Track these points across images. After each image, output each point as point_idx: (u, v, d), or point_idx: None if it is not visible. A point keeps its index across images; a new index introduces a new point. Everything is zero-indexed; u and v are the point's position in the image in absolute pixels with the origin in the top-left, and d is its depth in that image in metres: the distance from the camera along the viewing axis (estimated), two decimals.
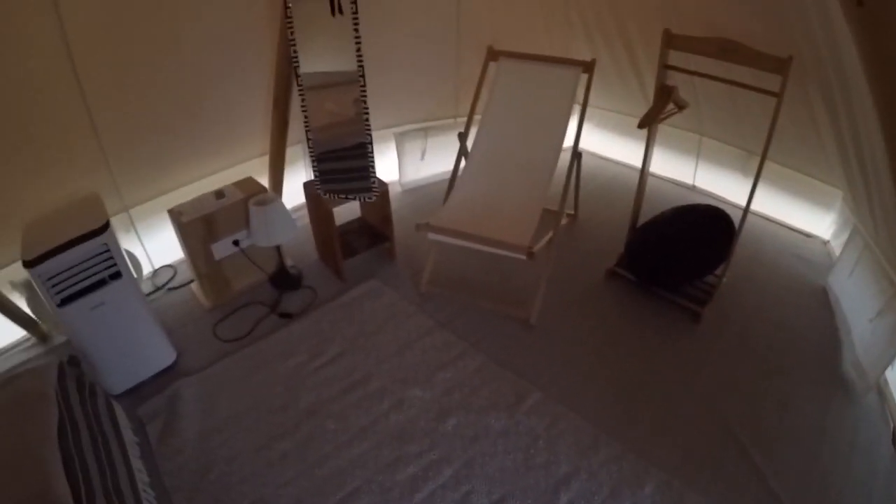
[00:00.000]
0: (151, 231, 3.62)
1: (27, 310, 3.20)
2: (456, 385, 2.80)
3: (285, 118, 3.56)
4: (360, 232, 3.72)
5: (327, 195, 3.31)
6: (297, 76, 3.04)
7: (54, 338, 3.35)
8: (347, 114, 3.15)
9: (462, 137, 3.40)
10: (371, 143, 3.19)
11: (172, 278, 3.71)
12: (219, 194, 3.26)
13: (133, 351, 2.87)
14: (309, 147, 3.22)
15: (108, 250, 2.60)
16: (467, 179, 3.36)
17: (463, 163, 3.46)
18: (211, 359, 3.08)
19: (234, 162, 3.78)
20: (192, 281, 3.61)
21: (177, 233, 3.25)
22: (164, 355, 3.02)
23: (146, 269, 3.68)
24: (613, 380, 2.82)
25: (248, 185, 3.40)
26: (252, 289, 3.55)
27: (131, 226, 3.50)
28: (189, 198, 3.34)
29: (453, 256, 3.59)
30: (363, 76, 2.98)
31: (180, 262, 3.80)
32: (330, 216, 3.29)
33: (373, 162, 3.24)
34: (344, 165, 3.26)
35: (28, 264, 2.44)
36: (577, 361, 2.94)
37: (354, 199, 3.41)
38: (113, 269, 2.64)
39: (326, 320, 3.25)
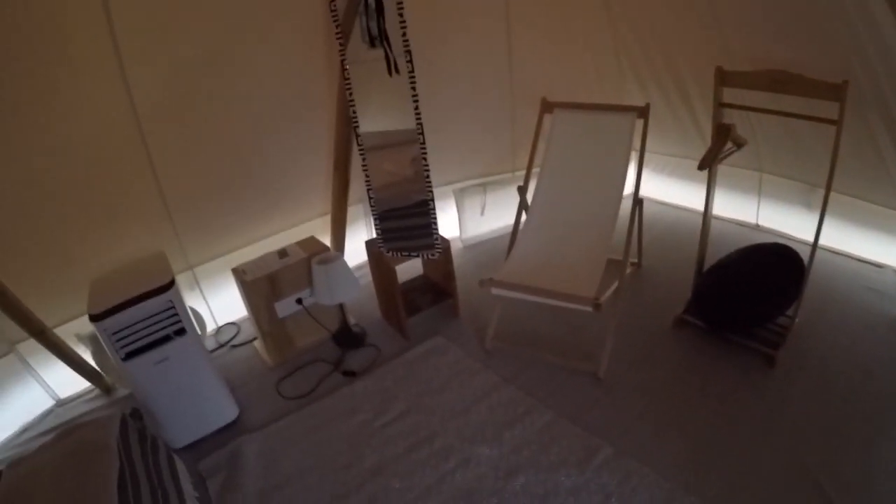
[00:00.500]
0: (215, 289, 3.72)
1: (92, 362, 3.29)
2: (524, 442, 2.70)
3: (346, 178, 3.63)
4: (423, 289, 3.72)
5: (390, 253, 3.32)
6: (357, 136, 3.11)
7: (117, 390, 3.44)
8: (407, 172, 3.20)
9: (521, 191, 3.39)
10: (433, 201, 3.19)
11: (236, 336, 3.78)
12: (282, 253, 3.32)
13: (195, 406, 2.90)
14: (371, 206, 3.26)
15: (172, 307, 2.66)
16: (529, 233, 3.33)
17: (524, 216, 3.43)
18: (273, 416, 3.08)
19: (296, 222, 3.87)
20: (255, 339, 3.66)
21: (240, 291, 3.31)
22: (226, 411, 3.04)
23: (210, 326, 3.77)
24: (687, 431, 2.68)
25: (311, 244, 3.46)
26: (315, 347, 3.56)
27: (196, 283, 3.61)
28: (252, 257, 3.43)
29: (518, 311, 3.52)
30: (422, 134, 3.01)
31: (243, 319, 3.88)
32: (392, 274, 3.29)
33: (435, 219, 3.23)
34: (406, 223, 3.27)
35: (94, 318, 2.52)
36: (649, 414, 2.80)
37: (417, 256, 3.40)
38: (177, 325, 2.70)
39: (390, 378, 3.22)
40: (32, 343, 3.08)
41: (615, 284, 3.09)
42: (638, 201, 3.23)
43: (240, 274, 3.22)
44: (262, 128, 3.37)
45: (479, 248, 4.46)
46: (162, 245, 3.12)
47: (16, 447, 3.26)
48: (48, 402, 3.48)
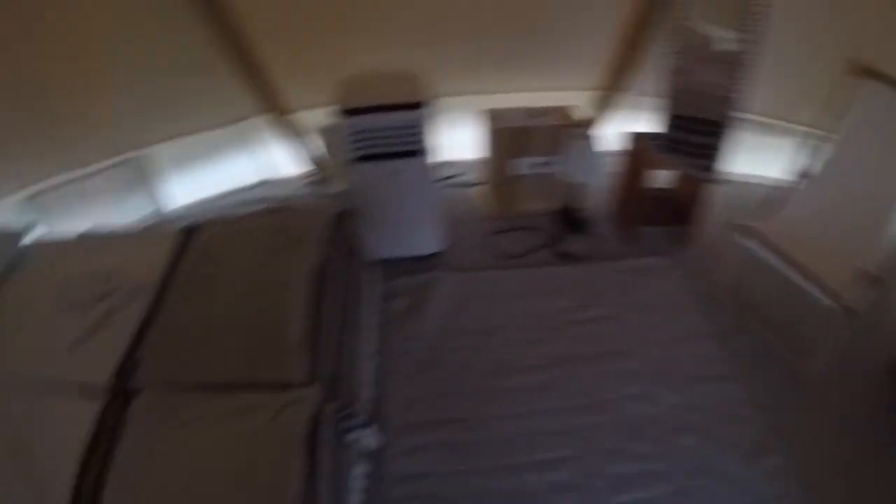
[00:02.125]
0: (453, 121, 3.55)
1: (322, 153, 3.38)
2: (705, 405, 2.43)
3: (634, 57, 3.29)
4: (667, 204, 3.33)
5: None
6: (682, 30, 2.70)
7: (332, 184, 3.50)
8: (718, 88, 2.73)
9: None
10: (729, 127, 2.77)
11: (457, 176, 3.72)
12: (534, 112, 3.16)
13: (407, 226, 2.94)
14: (666, 104, 2.91)
15: (419, 126, 2.61)
16: (811, 195, 2.89)
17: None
18: (476, 264, 3.05)
19: (557, 86, 3.61)
20: (476, 184, 3.60)
21: (484, 135, 3.19)
22: (433, 241, 3.06)
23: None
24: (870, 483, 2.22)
25: (566, 113, 3.23)
26: (538, 215, 3.41)
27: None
28: (501, 106, 3.26)
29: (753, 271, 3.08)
30: (751, 53, 2.54)
31: (466, 163, 3.78)
32: (645, 176, 3.03)
33: (723, 144, 2.83)
34: (694, 139, 2.89)
35: (344, 112, 2.54)
36: (847, 442, 2.36)
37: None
38: (418, 144, 2.67)
39: (603, 278, 3.03)
40: (256, 121, 3.24)
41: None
42: None
43: (490, 117, 3.10)
44: None
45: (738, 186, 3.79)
46: (413, 66, 2.97)
47: (219, 206, 3.48)
48: (261, 175, 3.68)
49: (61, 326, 2.11)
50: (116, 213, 3.39)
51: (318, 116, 3.17)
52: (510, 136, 3.04)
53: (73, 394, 1.91)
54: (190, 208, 3.62)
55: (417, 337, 2.66)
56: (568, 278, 3.01)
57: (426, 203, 2.90)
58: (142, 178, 3.40)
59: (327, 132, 3.20)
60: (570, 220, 3.35)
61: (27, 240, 2.72)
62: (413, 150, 2.68)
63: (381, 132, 2.60)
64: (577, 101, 3.52)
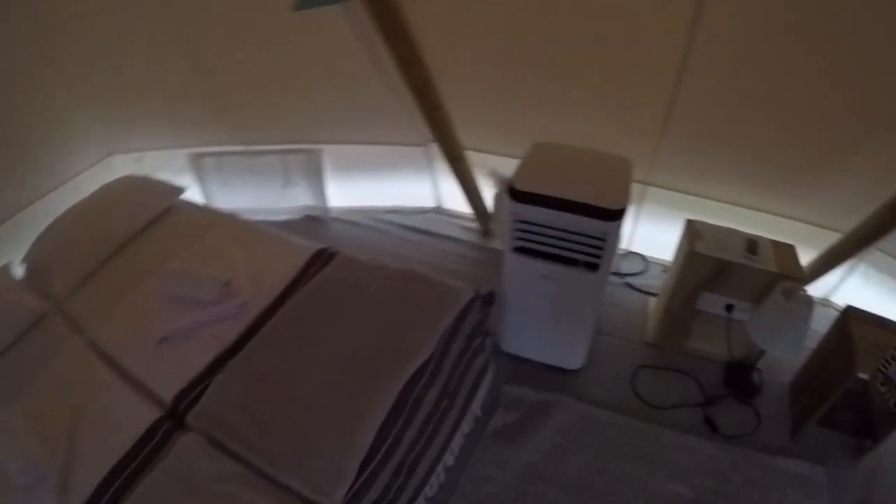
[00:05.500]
0: (652, 216, 3.15)
1: (489, 202, 3.12)
2: None
3: None
4: (855, 405, 2.58)
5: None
6: None
7: (495, 239, 3.28)
8: None
9: None
10: None
11: (640, 274, 3.25)
12: (752, 246, 2.51)
13: (550, 334, 2.54)
14: None
15: (604, 239, 2.12)
16: None
17: None
18: (609, 401, 2.60)
19: (786, 213, 2.93)
20: (653, 294, 3.09)
21: (678, 251, 2.68)
22: (573, 357, 2.64)
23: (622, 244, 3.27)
24: None
25: (787, 255, 2.55)
26: (703, 360, 2.85)
27: (638, 201, 3.05)
28: (715, 217, 2.71)
29: None
30: None
31: (657, 261, 3.30)
32: (848, 373, 2.29)
33: None
34: None
35: (514, 194, 2.13)
36: None
37: None
38: (596, 259, 2.18)
39: (739, 473, 2.42)
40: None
41: None
42: None
43: (694, 233, 2.52)
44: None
45: None
46: (634, 151, 2.53)
47: (381, 220, 3.45)
48: (430, 203, 3.46)
49: (163, 314, 2.22)
50: (279, 195, 3.43)
51: (501, 164, 2.90)
52: (709, 265, 2.46)
53: (140, 396, 1.98)
54: (348, 211, 3.58)
55: (505, 467, 2.30)
56: (702, 458, 2.44)
57: (582, 320, 2.44)
58: (311, 170, 3.37)
59: (498, 195, 2.82)
60: (738, 380, 2.75)
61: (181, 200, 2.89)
62: (588, 263, 2.21)
63: (550, 229, 2.16)
64: (804, 237, 2.82)
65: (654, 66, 2.37)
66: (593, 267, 2.19)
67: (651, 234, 3.15)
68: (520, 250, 2.24)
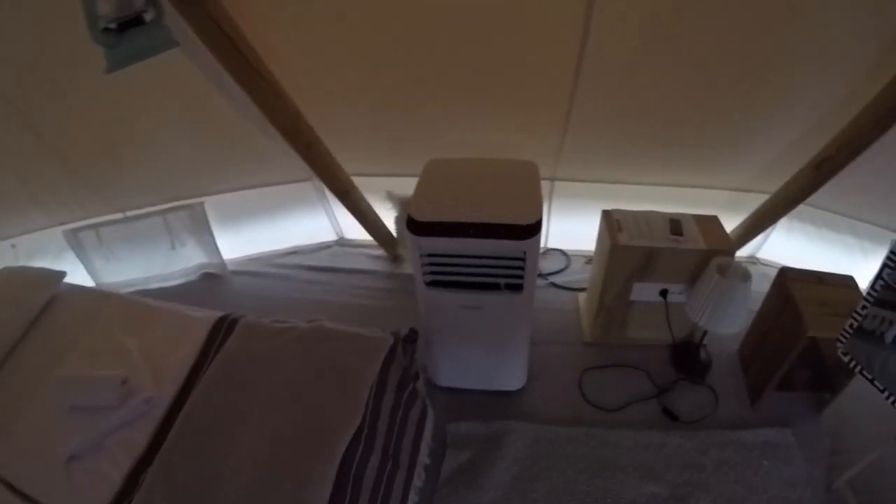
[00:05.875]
0: (563, 209, 3.02)
1: (392, 226, 2.93)
2: None
3: (831, 172, 2.43)
4: (808, 363, 2.55)
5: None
6: None
7: (403, 264, 3.12)
8: None
9: None
10: None
11: (563, 270, 3.12)
12: (676, 227, 2.40)
13: (483, 360, 2.34)
14: None
15: (524, 259, 1.92)
16: None
17: None
18: (561, 414, 2.45)
19: (700, 184, 2.86)
20: (582, 290, 2.95)
21: (600, 246, 2.52)
22: (513, 377, 2.45)
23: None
24: None
25: (713, 228, 2.46)
26: (646, 347, 2.73)
27: (548, 197, 2.92)
28: (630, 201, 2.60)
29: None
30: None
31: (578, 253, 3.18)
32: (799, 334, 2.21)
33: None
34: None
35: (414, 227, 1.89)
36: None
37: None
38: (518, 280, 1.99)
39: (712, 456, 2.34)
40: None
41: None
42: None
43: (613, 225, 2.38)
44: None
45: None
46: (537, 149, 2.40)
47: (281, 265, 3.22)
48: (331, 237, 3.29)
49: (66, 430, 1.96)
50: (169, 258, 3.18)
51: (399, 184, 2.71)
52: (637, 255, 2.34)
53: None
54: (246, 262, 3.32)
55: None
56: (669, 452, 2.34)
57: (515, 340, 2.26)
58: (197, 225, 3.08)
59: (399, 218, 2.63)
60: (687, 361, 2.66)
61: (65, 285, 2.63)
62: (510, 284, 2.01)
63: (467, 260, 1.95)
64: (722, 204, 2.80)
65: (549, 59, 2.20)
66: (517, 287, 2.01)
67: (567, 228, 3.04)
68: (434, 284, 2.04)
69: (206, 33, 1.92)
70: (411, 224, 1.89)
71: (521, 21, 2.03)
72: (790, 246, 3.05)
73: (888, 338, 1.83)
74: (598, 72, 2.19)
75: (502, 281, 1.99)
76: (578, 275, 3.09)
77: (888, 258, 1.71)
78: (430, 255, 1.95)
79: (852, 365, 2.02)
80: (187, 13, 1.84)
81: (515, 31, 2.08)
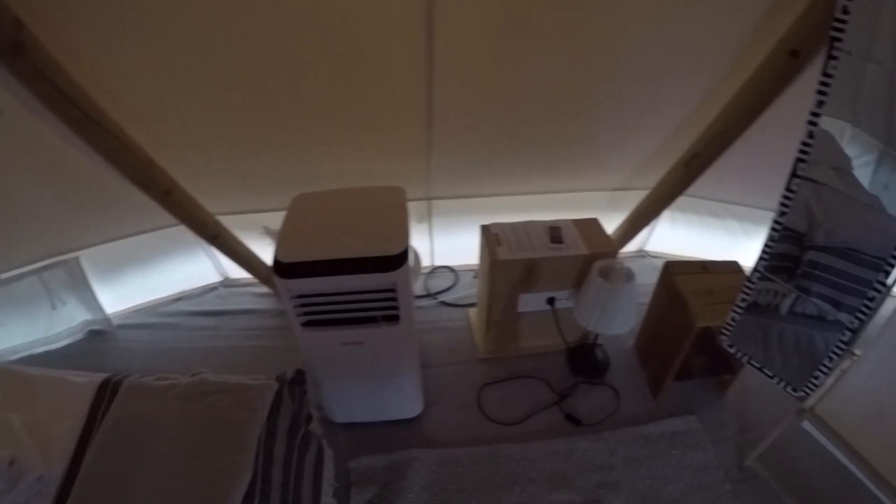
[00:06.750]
0: (446, 227, 2.99)
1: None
2: None
3: (702, 167, 2.50)
4: (703, 349, 2.61)
5: (737, 351, 2.17)
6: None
7: None
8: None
9: None
10: None
11: (451, 288, 3.07)
12: (555, 234, 2.40)
13: (375, 392, 2.28)
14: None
15: (395, 290, 1.87)
16: (879, 362, 2.12)
17: None
18: (463, 435, 2.41)
19: (577, 188, 2.89)
20: (472, 305, 2.93)
21: (481, 260, 2.50)
22: (409, 405, 2.40)
23: (425, 262, 3.11)
24: None
25: (593, 231, 2.49)
26: (542, 355, 2.73)
27: (427, 217, 2.88)
28: (512, 212, 2.64)
29: (804, 439, 2.18)
30: None
31: (467, 268, 3.15)
32: (689, 327, 2.26)
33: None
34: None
35: (279, 269, 1.80)
36: None
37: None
38: (394, 311, 1.94)
39: (620, 454, 2.37)
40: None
41: None
42: None
43: (492, 239, 2.38)
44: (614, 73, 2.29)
45: None
46: (408, 169, 2.37)
47: (167, 313, 3.07)
48: (215, 278, 3.17)
49: None
50: (51, 319, 2.98)
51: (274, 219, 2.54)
52: (519, 268, 2.32)
53: None
54: (132, 314, 3.13)
55: None
56: (577, 457, 2.35)
57: (403, 369, 2.21)
58: (74, 281, 2.91)
59: (275, 237, 2.55)
60: (584, 363, 2.69)
61: None
62: (386, 316, 1.96)
63: (339, 297, 1.88)
64: (599, 205, 2.86)
65: (400, 83, 2.17)
66: (394, 318, 1.96)
67: (453, 244, 3.01)
68: (310, 324, 1.97)
69: (37, 89, 1.79)
70: (277, 267, 1.82)
71: (365, 42, 1.99)
72: (677, 236, 3.13)
73: (783, 309, 1.88)
74: (450, 85, 2.17)
75: (378, 314, 1.94)
76: (468, 290, 3.08)
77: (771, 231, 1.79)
78: (299, 297, 1.88)
79: (739, 355, 2.07)
80: (14, 70, 1.72)
81: (360, 53, 2.03)
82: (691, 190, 2.70)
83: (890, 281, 1.59)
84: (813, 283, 1.80)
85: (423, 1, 1.84)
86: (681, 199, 2.78)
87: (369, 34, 1.96)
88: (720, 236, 2.99)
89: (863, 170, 1.62)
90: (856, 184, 1.64)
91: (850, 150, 1.63)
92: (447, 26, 1.92)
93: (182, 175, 2.38)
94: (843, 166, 1.66)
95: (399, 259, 1.81)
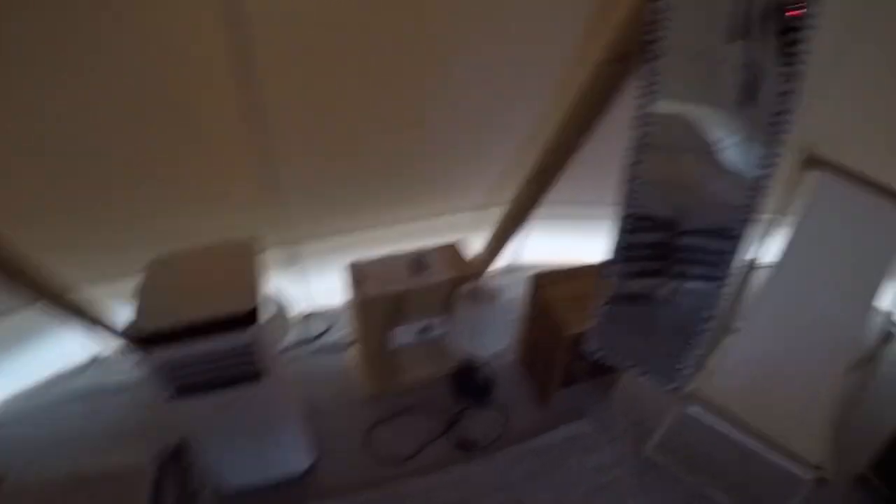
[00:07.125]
0: (320, 270, 2.91)
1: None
2: None
3: (551, 182, 2.55)
4: (582, 355, 2.62)
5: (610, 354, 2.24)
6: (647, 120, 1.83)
7: None
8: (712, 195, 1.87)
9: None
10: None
11: (328, 331, 3.02)
12: (418, 264, 2.40)
13: (259, 452, 2.18)
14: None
15: (252, 345, 1.79)
16: (750, 337, 2.27)
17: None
18: (356, 481, 2.34)
19: (439, 211, 2.91)
20: (353, 343, 2.86)
21: (352, 301, 2.44)
22: (297, 459, 2.31)
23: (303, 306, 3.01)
24: None
25: (454, 256, 2.51)
26: (427, 386, 2.71)
27: (297, 261, 2.82)
28: (380, 244, 2.62)
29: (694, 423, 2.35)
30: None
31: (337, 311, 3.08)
32: (561, 338, 2.30)
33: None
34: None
35: (140, 342, 1.68)
36: None
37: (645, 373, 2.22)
38: (256, 367, 1.86)
39: (518, 471, 2.37)
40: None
41: None
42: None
43: (358, 278, 2.35)
44: (448, 93, 2.35)
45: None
46: (260, 213, 2.32)
47: (38, 404, 2.77)
48: (86, 354, 2.95)
49: None
50: None
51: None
52: (387, 303, 2.30)
53: None
54: (5, 405, 2.82)
55: None
56: (474, 481, 2.34)
57: (281, 424, 2.12)
58: None
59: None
60: (469, 387, 2.68)
61: None
62: (250, 373, 1.87)
63: (196, 362, 1.78)
64: (458, 226, 2.88)
65: (226, 138, 2.13)
66: (258, 376, 1.89)
67: (330, 284, 2.93)
68: (175, 395, 1.87)
69: None
70: (138, 340, 1.71)
71: (181, 108, 1.93)
72: (548, 243, 3.17)
73: (659, 297, 1.97)
74: (282, 120, 2.15)
75: (242, 372, 1.86)
76: (346, 329, 3.01)
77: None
78: (160, 367, 1.78)
79: (608, 362, 2.12)
80: None
81: (181, 118, 1.98)
82: (554, 196, 2.73)
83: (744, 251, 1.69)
84: (691, 266, 1.88)
85: (234, 57, 1.82)
86: (547, 207, 2.81)
87: (183, 96, 1.92)
88: (590, 238, 3.04)
89: (731, 150, 1.73)
90: (719, 165, 1.74)
91: (714, 134, 1.73)
92: (267, 70, 1.93)
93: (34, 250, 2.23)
94: (706, 150, 1.75)
95: (249, 315, 1.74)
